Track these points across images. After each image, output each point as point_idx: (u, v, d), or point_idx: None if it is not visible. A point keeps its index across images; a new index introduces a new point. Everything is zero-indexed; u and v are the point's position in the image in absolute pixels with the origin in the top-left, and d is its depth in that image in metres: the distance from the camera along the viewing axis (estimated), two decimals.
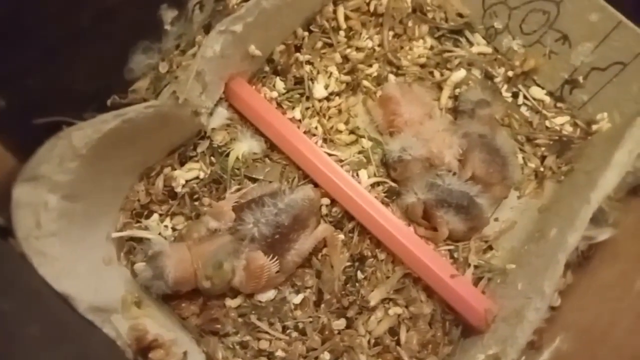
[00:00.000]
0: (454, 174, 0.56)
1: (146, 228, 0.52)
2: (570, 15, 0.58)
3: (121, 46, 0.44)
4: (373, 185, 0.58)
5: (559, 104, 0.64)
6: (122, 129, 0.43)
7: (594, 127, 0.61)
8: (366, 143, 0.60)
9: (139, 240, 0.51)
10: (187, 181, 0.54)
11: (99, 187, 0.47)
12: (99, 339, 0.41)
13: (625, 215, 0.46)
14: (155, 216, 0.53)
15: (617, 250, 0.44)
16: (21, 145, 0.41)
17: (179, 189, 0.53)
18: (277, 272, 0.49)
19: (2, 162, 0.40)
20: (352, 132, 0.61)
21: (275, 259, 0.48)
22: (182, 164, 0.54)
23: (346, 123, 0.61)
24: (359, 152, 0.60)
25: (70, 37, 0.39)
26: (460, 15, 0.66)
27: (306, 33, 0.62)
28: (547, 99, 0.64)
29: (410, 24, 0.65)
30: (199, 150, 0.55)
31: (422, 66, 0.65)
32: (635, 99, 0.57)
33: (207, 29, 0.53)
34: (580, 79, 0.61)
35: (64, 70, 0.41)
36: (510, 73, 0.64)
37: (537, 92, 0.64)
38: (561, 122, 0.63)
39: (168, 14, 0.45)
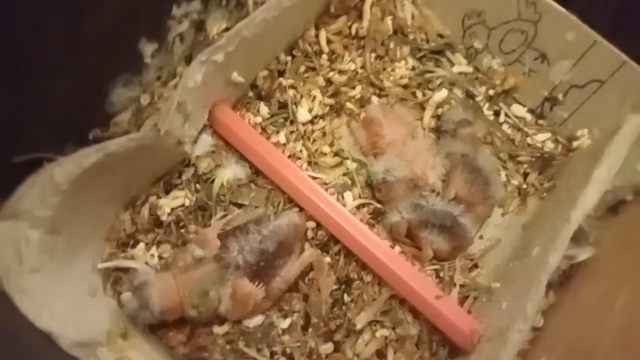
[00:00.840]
0: (438, 194, 0.56)
1: (132, 257, 0.52)
2: (547, 34, 0.60)
3: (101, 80, 0.44)
4: (358, 207, 0.58)
5: (540, 121, 0.65)
6: (105, 162, 0.44)
7: (575, 143, 0.62)
8: (351, 165, 0.60)
9: (126, 270, 0.51)
10: (172, 209, 0.54)
11: (82, 219, 0.47)
12: None
13: (605, 233, 0.47)
14: (142, 245, 0.53)
15: (598, 269, 0.45)
16: (2, 182, 0.41)
17: (164, 218, 0.53)
18: (264, 298, 0.50)
19: None
20: (336, 154, 0.61)
21: (261, 285, 0.49)
22: (167, 192, 0.55)
23: (331, 145, 0.61)
24: (344, 174, 0.60)
25: (47, 71, 0.39)
26: (440, 35, 0.67)
27: (289, 58, 0.62)
28: (528, 116, 0.65)
29: (391, 45, 0.66)
30: (184, 177, 0.55)
31: (405, 87, 0.65)
32: (613, 116, 0.57)
33: (188, 59, 0.53)
34: (560, 96, 0.62)
35: (44, 104, 0.41)
36: (491, 91, 0.65)
37: (518, 109, 0.65)
38: (542, 138, 0.64)
39: (148, 48, 0.45)
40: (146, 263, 0.52)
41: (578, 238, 0.47)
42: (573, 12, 0.57)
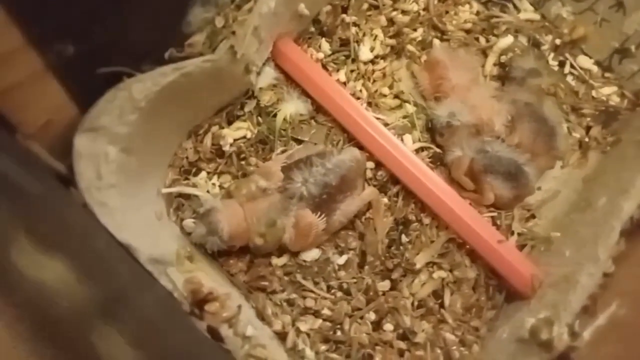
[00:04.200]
0: (502, 141, 0.55)
1: (194, 185, 0.52)
2: None
3: None
4: (417, 151, 0.57)
5: (607, 74, 0.63)
6: (180, 82, 0.43)
7: None
8: (410, 108, 0.59)
9: (187, 197, 0.52)
10: (234, 140, 0.54)
11: (151, 143, 0.47)
12: (156, 290, 0.41)
13: None
14: (203, 174, 0.53)
15: None
16: (83, 95, 0.41)
17: (226, 148, 0.53)
18: (322, 230, 0.50)
19: (65, 111, 0.40)
20: (396, 96, 0.60)
21: (322, 217, 0.49)
22: (229, 122, 0.54)
23: (390, 87, 0.60)
24: (404, 117, 0.59)
25: None
26: None
27: None
28: (595, 69, 0.63)
29: None
30: (247, 109, 0.55)
31: (468, 32, 0.63)
32: None
33: None
34: (633, 48, 0.60)
35: (125, 21, 0.40)
36: (557, 41, 0.63)
37: (584, 61, 0.63)
38: (608, 92, 0.62)
39: None
40: (207, 191, 0.52)
41: None
42: None
